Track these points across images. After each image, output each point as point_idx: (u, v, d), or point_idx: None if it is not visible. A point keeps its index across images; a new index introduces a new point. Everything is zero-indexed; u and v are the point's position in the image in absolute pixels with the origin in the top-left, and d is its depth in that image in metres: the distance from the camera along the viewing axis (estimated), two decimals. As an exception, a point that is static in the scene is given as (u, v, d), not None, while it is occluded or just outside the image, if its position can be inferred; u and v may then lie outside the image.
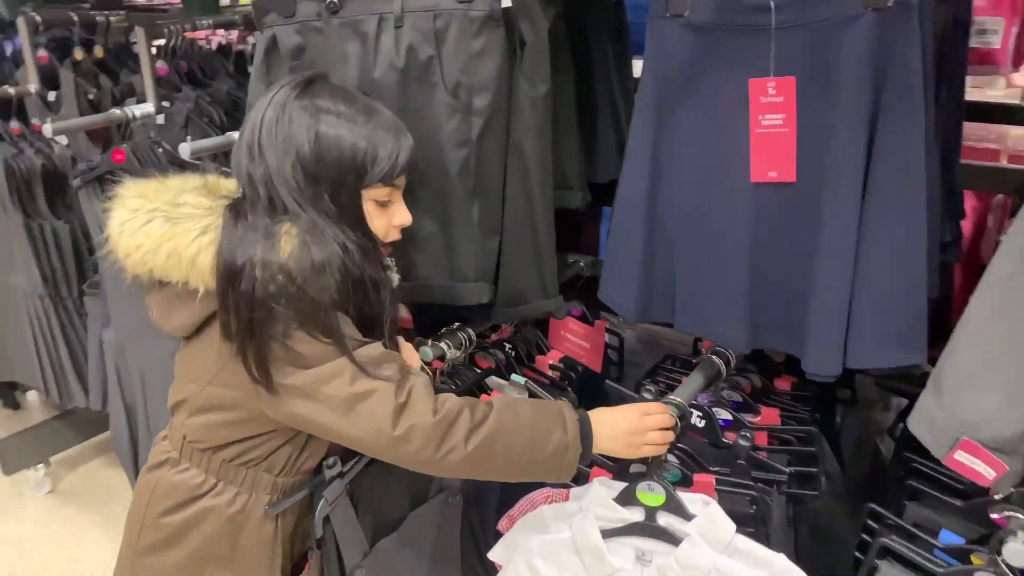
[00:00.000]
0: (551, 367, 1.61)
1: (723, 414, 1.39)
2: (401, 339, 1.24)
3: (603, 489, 1.20)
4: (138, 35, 1.99)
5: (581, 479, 1.27)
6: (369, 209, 1.12)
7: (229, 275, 1.00)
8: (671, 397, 1.25)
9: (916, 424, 1.02)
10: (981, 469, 0.95)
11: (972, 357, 0.96)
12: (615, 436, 1.11)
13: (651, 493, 1.18)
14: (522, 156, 1.23)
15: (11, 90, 2.29)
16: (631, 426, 1.11)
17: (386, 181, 1.11)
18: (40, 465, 2.69)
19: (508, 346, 1.62)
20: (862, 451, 1.56)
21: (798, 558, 1.10)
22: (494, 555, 1.29)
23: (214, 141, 1.67)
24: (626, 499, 1.19)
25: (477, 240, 1.26)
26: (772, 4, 1.07)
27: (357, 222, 1.10)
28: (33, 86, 2.33)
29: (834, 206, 1.07)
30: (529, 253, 1.28)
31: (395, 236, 1.18)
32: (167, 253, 1.02)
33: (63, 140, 2.30)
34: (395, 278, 1.20)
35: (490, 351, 1.58)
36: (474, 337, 1.46)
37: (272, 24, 1.28)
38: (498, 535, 1.30)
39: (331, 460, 1.22)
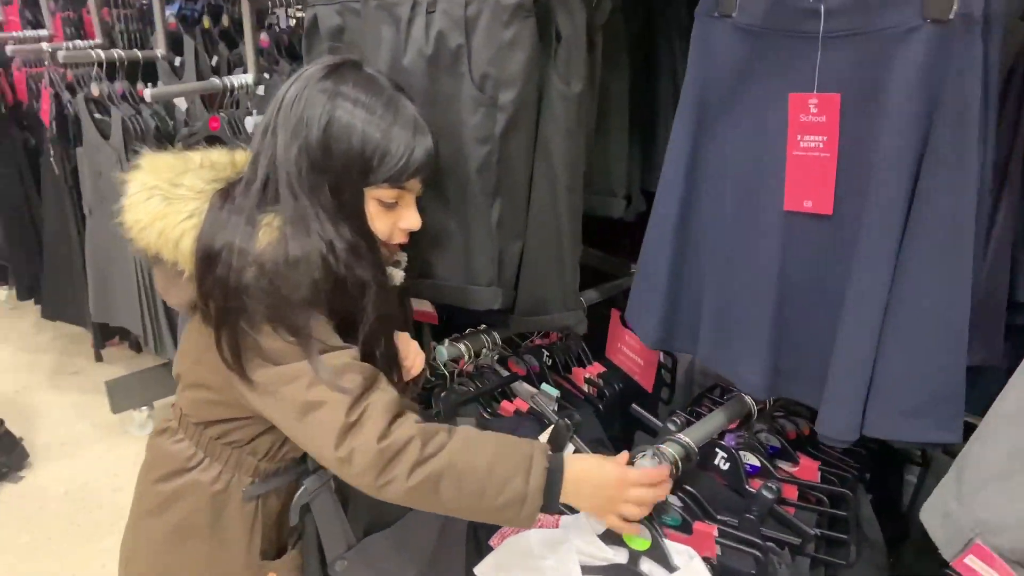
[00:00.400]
0: (587, 381, 1.52)
1: (751, 459, 1.26)
2: (405, 335, 1.21)
3: (590, 523, 1.12)
4: (243, 7, 2.06)
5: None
6: (372, 209, 1.07)
7: (206, 260, 0.99)
8: (680, 436, 1.14)
9: (929, 515, 0.86)
10: (995, 581, 0.79)
11: (1003, 447, 0.79)
12: (593, 496, 1.04)
13: (637, 536, 1.08)
14: (549, 157, 1.15)
15: (139, 54, 2.44)
16: (612, 493, 1.03)
17: (393, 183, 1.05)
18: (144, 408, 2.90)
19: (547, 353, 1.55)
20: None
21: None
22: (480, 571, 1.24)
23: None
24: (611, 538, 1.11)
25: (494, 242, 1.19)
26: (822, 8, 0.93)
27: (354, 220, 1.05)
28: (160, 50, 2.47)
29: (868, 248, 0.92)
30: (551, 261, 1.20)
31: (401, 239, 1.12)
32: (158, 232, 1.02)
33: (182, 104, 2.43)
34: (398, 275, 1.15)
35: (524, 357, 1.51)
36: (498, 341, 1.41)
37: (315, 3, 1.26)
38: (490, 550, 1.25)
39: None
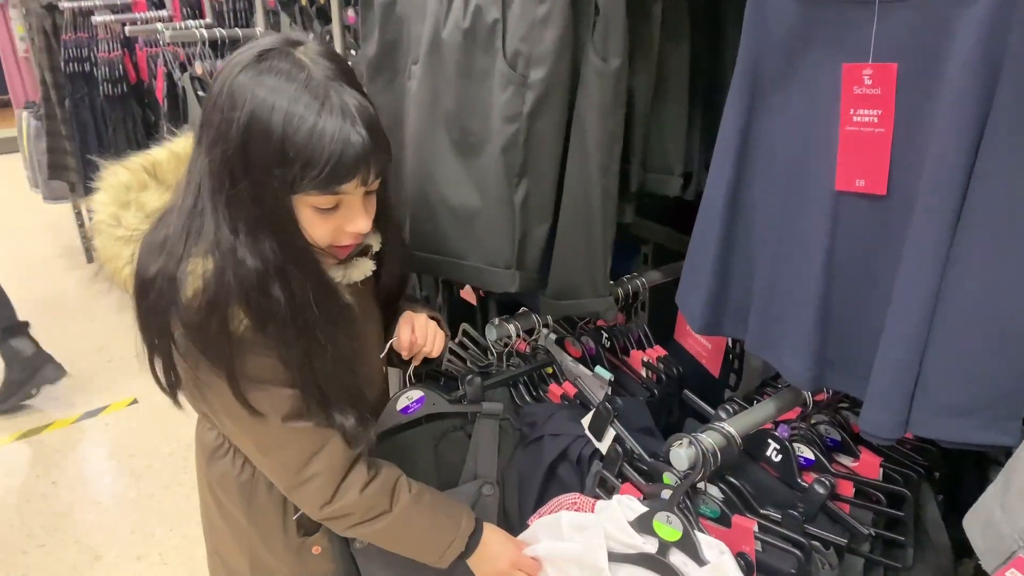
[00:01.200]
0: (645, 365, 1.48)
1: (806, 452, 1.19)
2: (422, 316, 1.20)
3: (622, 509, 1.10)
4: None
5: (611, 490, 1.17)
6: (307, 216, 0.96)
7: (141, 292, 0.97)
8: (723, 424, 1.09)
9: (972, 523, 0.79)
10: (1039, 600, 0.72)
11: (1054, 455, 0.72)
12: (490, 567, 1.19)
13: (668, 526, 1.05)
14: (583, 136, 1.11)
15: (240, 32, 2.54)
16: (503, 568, 1.18)
17: (323, 189, 0.93)
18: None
19: (605, 335, 1.52)
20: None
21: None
22: (514, 548, 1.24)
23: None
24: (642, 526, 1.08)
25: (516, 224, 1.16)
26: (879, -30, 0.86)
27: (283, 235, 0.95)
28: (259, 29, 2.56)
29: (920, 232, 0.85)
30: (581, 244, 1.17)
31: (350, 241, 1.02)
32: (110, 272, 1.04)
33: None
34: (366, 267, 1.09)
35: (581, 338, 1.49)
36: (550, 320, 1.39)
37: (371, -27, 1.27)
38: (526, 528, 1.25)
39: None
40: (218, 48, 2.52)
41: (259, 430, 1.02)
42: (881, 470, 1.20)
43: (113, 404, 3.17)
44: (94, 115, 3.55)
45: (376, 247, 1.11)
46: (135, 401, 3.17)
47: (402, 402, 1.22)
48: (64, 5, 3.50)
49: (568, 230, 1.17)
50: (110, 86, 3.19)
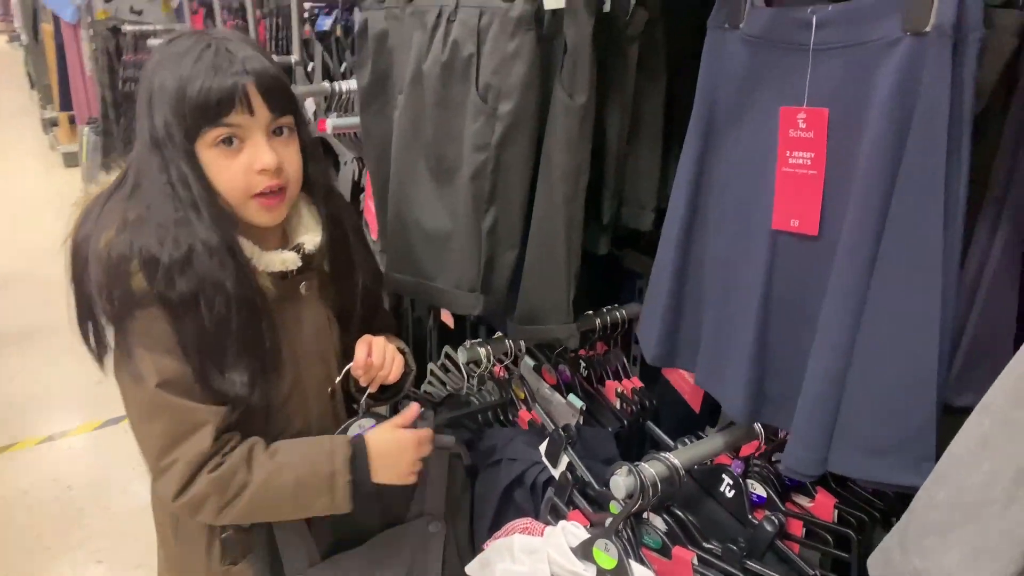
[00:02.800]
0: (618, 395, 1.50)
1: (758, 489, 1.20)
2: (380, 339, 1.19)
3: (566, 536, 1.12)
4: (355, 17, 2.20)
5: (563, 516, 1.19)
6: (213, 164, 1.00)
7: (73, 255, 1.02)
8: (667, 455, 1.11)
9: (874, 562, 0.79)
10: (927, 640, 0.72)
11: (947, 493, 0.72)
12: (397, 465, 1.12)
13: (605, 553, 1.07)
14: (550, 167, 1.16)
15: (275, 58, 2.66)
16: (412, 456, 1.13)
17: (212, 121, 0.97)
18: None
19: (583, 364, 1.54)
20: None
21: None
22: (470, 569, 1.26)
23: (348, 120, 1.79)
24: (584, 552, 1.10)
25: (482, 249, 1.20)
26: (814, 20, 0.89)
27: (199, 190, 0.99)
28: (295, 56, 2.69)
29: (842, 274, 0.87)
30: (547, 272, 1.20)
31: (265, 182, 1.02)
32: None
33: (311, 105, 2.63)
34: (288, 259, 1.09)
35: (558, 367, 1.52)
36: (524, 347, 1.42)
37: (368, 8, 1.34)
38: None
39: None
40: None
41: (137, 395, 1.01)
42: (835, 511, 1.19)
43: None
44: (146, 132, 3.73)
45: (309, 246, 1.11)
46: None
47: (354, 430, 1.16)
48: (127, 28, 3.71)
49: (534, 258, 1.21)
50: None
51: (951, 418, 0.82)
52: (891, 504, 1.22)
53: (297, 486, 1.05)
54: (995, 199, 0.82)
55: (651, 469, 1.08)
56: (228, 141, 1.01)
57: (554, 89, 1.14)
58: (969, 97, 0.75)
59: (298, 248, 1.10)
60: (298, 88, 2.29)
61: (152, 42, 3.39)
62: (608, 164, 1.27)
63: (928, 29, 0.76)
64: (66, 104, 5.21)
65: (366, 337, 1.18)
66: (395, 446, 1.11)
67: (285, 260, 1.09)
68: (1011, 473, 0.65)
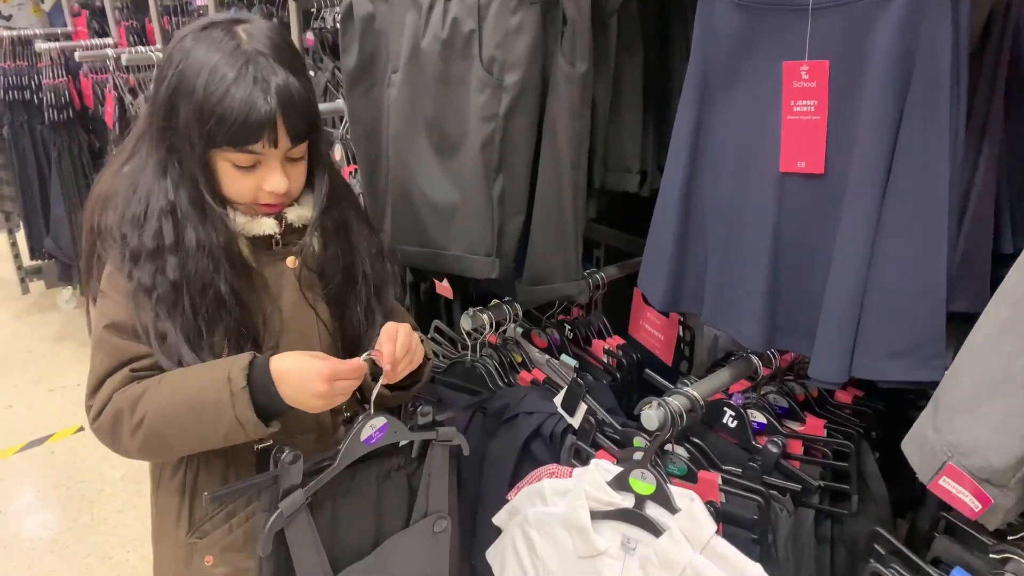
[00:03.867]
0: (606, 352, 1.59)
1: (758, 417, 1.32)
2: (405, 326, 1.13)
3: (599, 472, 1.20)
4: (290, 8, 2.19)
5: (585, 459, 1.27)
6: (225, 171, 1.06)
7: (88, 212, 1.12)
8: (687, 389, 1.21)
9: (908, 444, 0.92)
10: (967, 499, 0.85)
11: (971, 376, 0.85)
12: (299, 390, 1.03)
13: (643, 481, 1.16)
14: (555, 135, 1.24)
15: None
16: (317, 386, 1.02)
17: (236, 145, 1.03)
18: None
19: (568, 327, 1.63)
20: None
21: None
22: (497, 520, 1.32)
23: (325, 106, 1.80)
24: (619, 484, 1.18)
25: (494, 216, 1.27)
26: (812, -18, 1.01)
27: (193, 184, 1.06)
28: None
29: (854, 204, 0.99)
30: (555, 234, 1.28)
31: (270, 200, 1.09)
32: None
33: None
34: (266, 225, 1.12)
35: (546, 330, 1.59)
36: (520, 313, 1.49)
37: (352, -8, 1.37)
38: (505, 504, 1.33)
39: (288, 454, 1.03)
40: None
41: (94, 333, 1.10)
42: (825, 431, 1.33)
43: (58, 432, 3.11)
44: (34, 143, 3.52)
45: (291, 216, 1.14)
46: (81, 428, 3.12)
47: (366, 432, 1.09)
48: (2, 34, 3.48)
49: (542, 221, 1.28)
50: (56, 112, 3.18)
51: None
52: (871, 422, 1.37)
53: (199, 391, 1.02)
54: (977, 127, 0.96)
55: (676, 402, 1.18)
56: (247, 162, 1.06)
57: (555, 60, 1.22)
58: (964, 38, 0.89)
59: (279, 218, 1.13)
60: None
61: (41, 46, 3.20)
62: (596, 132, 1.36)
63: (925, -16, 0.89)
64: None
65: (391, 324, 1.13)
66: (299, 367, 1.02)
67: (262, 225, 1.12)
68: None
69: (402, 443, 1.16)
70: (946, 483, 0.86)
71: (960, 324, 0.96)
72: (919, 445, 0.90)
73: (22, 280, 4.18)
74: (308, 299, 1.18)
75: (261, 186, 1.08)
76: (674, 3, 1.46)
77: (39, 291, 4.25)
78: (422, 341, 1.21)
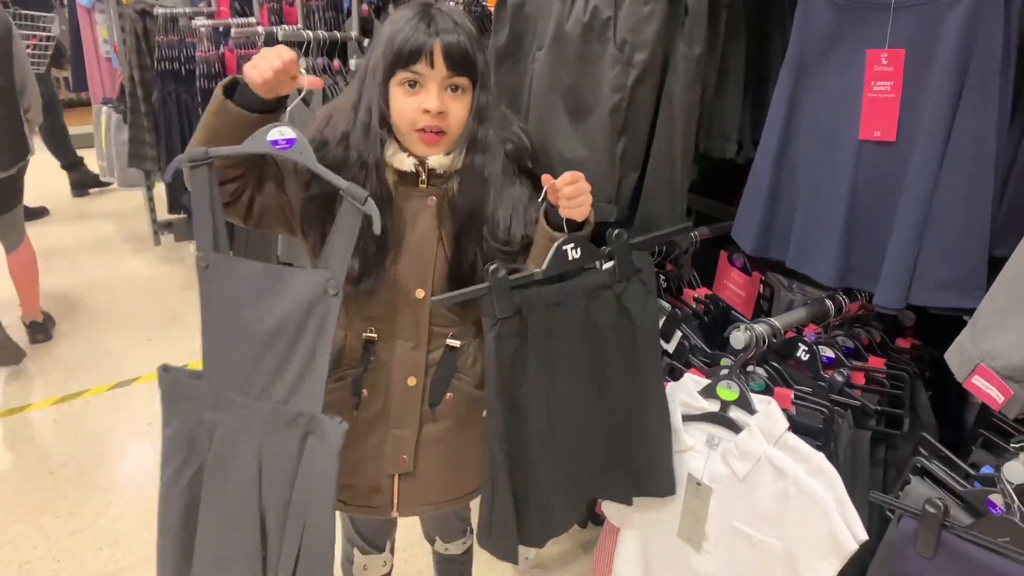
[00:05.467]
0: (695, 299, 1.85)
1: (828, 352, 1.56)
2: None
3: (691, 383, 1.46)
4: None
5: (678, 376, 1.54)
6: (396, 93, 1.33)
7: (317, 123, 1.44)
8: (769, 319, 1.47)
9: (950, 354, 1.16)
10: (993, 393, 1.08)
11: (1004, 298, 1.09)
12: (254, 68, 1.27)
13: (728, 390, 1.42)
14: (671, 105, 1.50)
15: (338, 34, 2.95)
16: (262, 57, 1.27)
17: (403, 66, 1.31)
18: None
19: (663, 278, 1.89)
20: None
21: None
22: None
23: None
24: (708, 392, 1.44)
25: (616, 170, 1.54)
26: (895, -14, 1.25)
27: (378, 102, 1.34)
28: (354, 32, 2.97)
29: (919, 166, 1.23)
30: (665, 187, 1.55)
31: (428, 122, 1.32)
32: None
33: (366, 77, 2.92)
34: (406, 161, 1.36)
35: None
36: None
37: (506, -19, 1.66)
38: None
39: (498, 267, 1.26)
40: (317, 48, 2.93)
41: None
42: (885, 367, 1.57)
43: (192, 363, 3.51)
44: (179, 109, 3.95)
45: (432, 163, 1.37)
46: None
47: (273, 134, 1.24)
48: (158, 11, 3.92)
49: (655, 176, 1.55)
50: (206, 80, 3.59)
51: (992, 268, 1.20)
52: (925, 364, 1.60)
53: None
54: (1021, 107, 1.19)
55: (760, 328, 1.44)
56: (412, 84, 1.33)
57: (675, 43, 1.48)
58: (1014, 34, 1.12)
59: (422, 162, 1.38)
60: (359, 60, 2.59)
61: (196, 23, 3.61)
62: (703, 105, 1.62)
63: (985, -9, 1.13)
64: (80, 85, 5.35)
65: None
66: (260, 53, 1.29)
67: (403, 161, 1.37)
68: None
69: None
70: (977, 381, 1.10)
71: (1002, 266, 1.20)
72: (959, 352, 1.14)
73: (155, 232, 4.65)
74: (440, 232, 1.41)
75: (420, 106, 1.32)
76: (774, 0, 1.71)
77: (168, 243, 4.72)
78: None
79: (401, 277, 1.41)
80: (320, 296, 1.25)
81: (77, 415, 3.13)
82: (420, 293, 1.42)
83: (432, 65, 1.31)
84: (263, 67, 1.25)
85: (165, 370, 1.39)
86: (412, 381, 1.45)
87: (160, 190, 4.62)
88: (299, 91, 1.34)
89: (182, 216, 4.36)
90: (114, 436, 3.02)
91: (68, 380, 3.38)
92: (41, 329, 3.72)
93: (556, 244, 1.29)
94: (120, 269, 4.51)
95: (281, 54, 1.26)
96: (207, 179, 1.26)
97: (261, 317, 1.28)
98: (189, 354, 3.57)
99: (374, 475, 1.48)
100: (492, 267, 1.25)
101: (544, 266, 1.29)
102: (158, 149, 4.16)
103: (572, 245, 1.31)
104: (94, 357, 3.58)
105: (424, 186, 1.40)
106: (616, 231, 1.33)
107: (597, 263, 1.35)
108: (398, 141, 1.38)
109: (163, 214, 4.55)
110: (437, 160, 1.38)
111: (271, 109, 1.31)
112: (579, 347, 1.35)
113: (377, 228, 1.23)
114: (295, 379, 1.29)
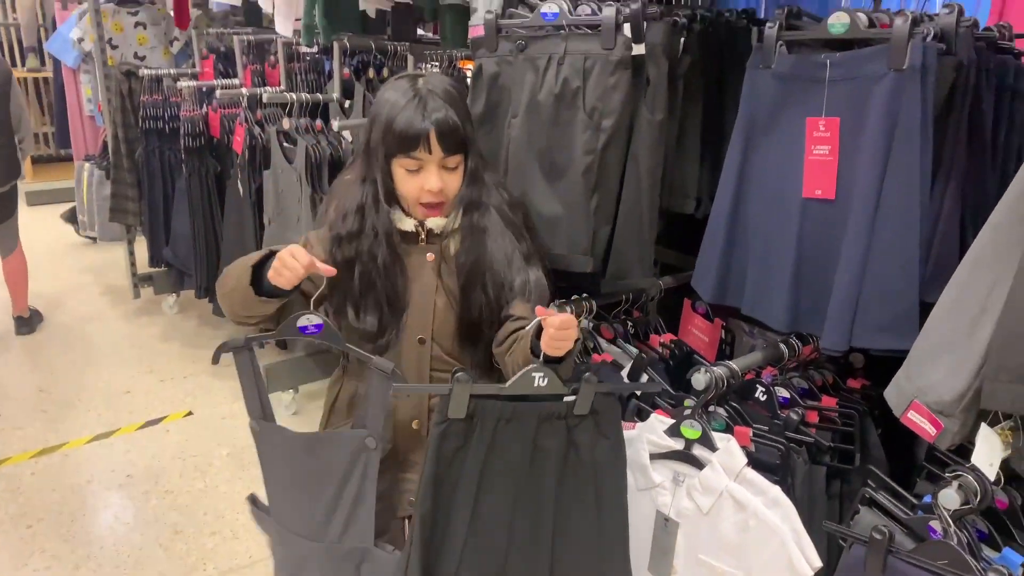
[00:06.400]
0: (661, 344, 1.97)
1: (783, 392, 1.67)
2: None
3: (657, 423, 1.56)
4: (409, 61, 2.66)
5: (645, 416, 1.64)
6: (399, 174, 1.49)
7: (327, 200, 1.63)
8: (728, 362, 1.58)
9: (889, 391, 1.28)
10: (926, 426, 1.20)
11: (933, 338, 1.21)
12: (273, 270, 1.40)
13: (691, 429, 1.52)
14: (637, 165, 1.64)
15: (320, 96, 3.09)
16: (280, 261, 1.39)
17: (403, 152, 1.45)
18: (291, 390, 3.49)
19: (630, 324, 2.01)
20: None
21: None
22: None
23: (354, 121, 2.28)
24: (673, 431, 1.54)
25: (590, 224, 1.66)
26: (828, 62, 1.40)
27: (383, 180, 1.49)
28: (336, 95, 3.12)
29: (855, 218, 1.37)
30: (634, 239, 1.68)
31: (429, 199, 1.49)
32: None
33: (348, 136, 3.06)
34: (408, 223, 1.53)
35: (614, 324, 1.98)
36: (594, 307, 1.88)
37: (481, 56, 1.80)
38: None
39: (462, 373, 1.30)
40: (293, 110, 3.07)
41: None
42: (837, 407, 1.68)
43: (171, 415, 3.56)
44: (162, 165, 4.06)
45: (430, 224, 1.53)
46: (190, 413, 3.56)
47: (302, 321, 1.42)
48: (144, 72, 4.05)
49: (625, 229, 1.68)
50: (191, 139, 3.71)
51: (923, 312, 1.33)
52: (874, 402, 1.72)
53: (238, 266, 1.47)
54: (944, 172, 1.34)
55: (719, 370, 1.55)
56: (412, 166, 1.48)
57: (640, 109, 1.63)
58: (930, 108, 1.27)
59: (422, 223, 1.54)
60: (357, 120, 2.72)
61: (181, 84, 3.75)
62: (665, 165, 1.76)
63: (905, 67, 1.28)
64: (63, 142, 5.45)
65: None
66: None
67: (405, 222, 1.53)
68: (973, 312, 1.14)
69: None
70: (912, 416, 1.22)
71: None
72: (896, 389, 1.26)
73: (134, 285, 4.70)
74: (442, 285, 1.55)
75: (423, 186, 1.49)
76: (727, 70, 1.87)
77: (148, 296, 4.77)
78: (578, 340, 1.39)
79: (405, 325, 1.54)
80: (361, 448, 1.43)
81: (56, 467, 3.15)
82: (421, 339, 1.55)
83: (430, 151, 1.46)
84: (288, 276, 1.36)
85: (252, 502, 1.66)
86: (416, 424, 1.57)
87: (141, 243, 4.69)
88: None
89: (161, 269, 4.42)
90: (92, 488, 3.04)
91: (47, 432, 3.40)
92: (26, 324, 4.30)
93: (526, 368, 1.32)
94: (99, 321, 4.55)
95: (301, 260, 1.35)
96: (249, 360, 1.48)
97: (309, 471, 1.49)
98: (168, 406, 3.62)
99: (385, 520, 1.57)
100: (457, 372, 1.30)
101: (507, 384, 1.33)
102: (140, 204, 4.25)
103: (542, 375, 1.32)
104: (73, 409, 3.60)
105: (423, 243, 1.56)
106: (587, 374, 1.36)
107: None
108: (401, 208, 1.54)
109: (143, 267, 4.61)
110: (434, 222, 1.55)
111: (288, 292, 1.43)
112: (521, 466, 1.37)
113: (399, 389, 1.43)
114: (346, 519, 1.47)
